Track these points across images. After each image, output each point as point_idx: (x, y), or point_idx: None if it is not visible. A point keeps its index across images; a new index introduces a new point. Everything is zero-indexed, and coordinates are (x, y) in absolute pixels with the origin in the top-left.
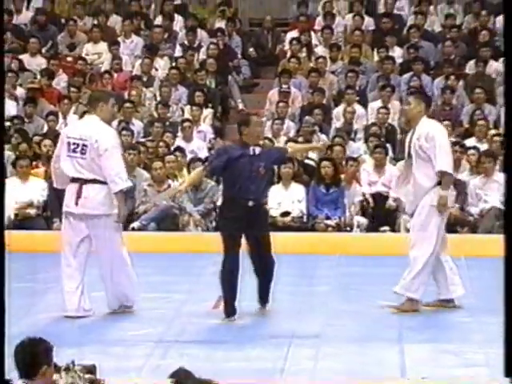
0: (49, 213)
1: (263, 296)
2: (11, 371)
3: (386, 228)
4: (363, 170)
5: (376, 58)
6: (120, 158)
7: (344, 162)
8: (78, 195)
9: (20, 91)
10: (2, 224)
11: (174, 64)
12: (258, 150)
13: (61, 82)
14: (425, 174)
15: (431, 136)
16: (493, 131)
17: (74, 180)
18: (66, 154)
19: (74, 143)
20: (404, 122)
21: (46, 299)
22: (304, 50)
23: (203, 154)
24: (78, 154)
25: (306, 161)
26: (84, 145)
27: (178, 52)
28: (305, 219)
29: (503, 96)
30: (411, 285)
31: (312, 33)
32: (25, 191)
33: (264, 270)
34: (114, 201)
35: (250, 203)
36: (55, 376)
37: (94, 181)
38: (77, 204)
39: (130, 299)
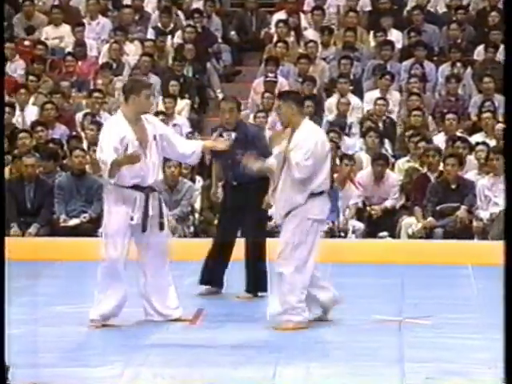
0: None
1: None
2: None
3: (385, 233)
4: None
5: (373, 42)
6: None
7: (338, 160)
8: None
9: None
10: (2, 231)
11: (145, 49)
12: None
13: (18, 69)
14: (295, 184)
15: (301, 145)
16: (502, 125)
17: None
18: None
19: None
20: (283, 126)
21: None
22: (292, 33)
23: None
24: None
25: None
26: None
27: (150, 36)
28: None
29: (504, 93)
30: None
31: (301, 14)
32: None
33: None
34: None
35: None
36: None
37: None
38: None
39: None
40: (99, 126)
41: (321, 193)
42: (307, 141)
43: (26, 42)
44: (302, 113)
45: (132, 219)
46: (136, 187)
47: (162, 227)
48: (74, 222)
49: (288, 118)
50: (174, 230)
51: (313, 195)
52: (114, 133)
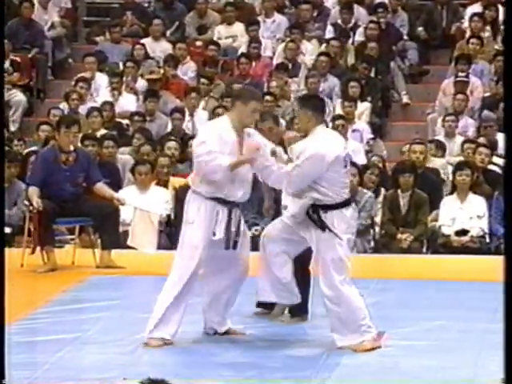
0: (173, 229)
1: None
2: None
3: None
4: None
5: None
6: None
7: None
8: None
9: (140, 83)
10: (2, 239)
11: (324, 48)
12: None
13: (188, 71)
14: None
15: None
16: None
17: None
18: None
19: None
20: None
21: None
22: (488, 28)
23: (360, 158)
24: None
25: (489, 166)
26: None
27: (329, 33)
28: (487, 239)
29: (504, 95)
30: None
31: (499, 7)
32: (143, 203)
33: None
34: None
35: None
36: None
37: None
38: None
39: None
40: None
41: (336, 206)
42: (306, 150)
43: (198, 43)
44: (319, 121)
45: (214, 234)
46: (219, 200)
47: (235, 246)
48: None
49: (303, 125)
50: (352, 245)
51: (325, 208)
52: (221, 136)
